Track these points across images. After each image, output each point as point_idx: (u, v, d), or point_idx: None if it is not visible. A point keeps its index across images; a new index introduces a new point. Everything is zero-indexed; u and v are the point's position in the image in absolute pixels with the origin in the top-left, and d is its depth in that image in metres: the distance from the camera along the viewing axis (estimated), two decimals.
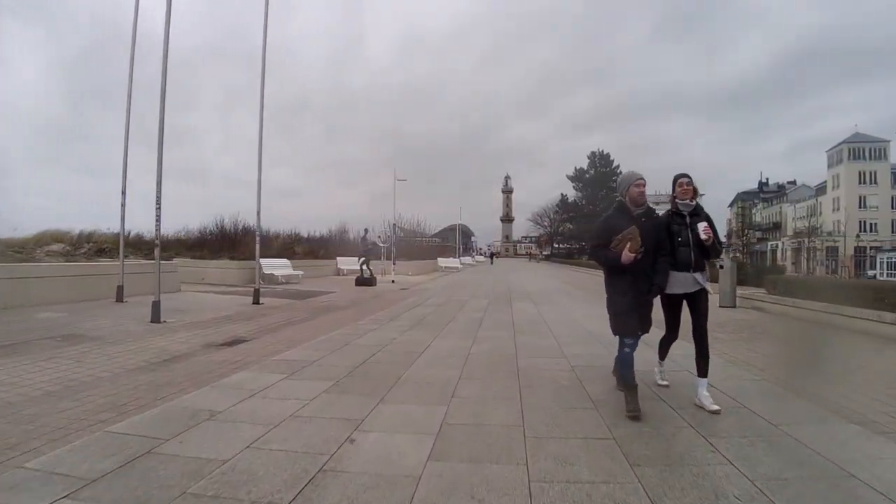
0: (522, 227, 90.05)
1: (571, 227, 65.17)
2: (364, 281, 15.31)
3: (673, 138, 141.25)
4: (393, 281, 17.42)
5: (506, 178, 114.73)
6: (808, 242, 48.65)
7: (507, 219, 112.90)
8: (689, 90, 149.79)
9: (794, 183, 77.71)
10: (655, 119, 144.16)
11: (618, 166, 63.41)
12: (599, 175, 63.85)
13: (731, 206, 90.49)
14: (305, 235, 23.90)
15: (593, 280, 21.91)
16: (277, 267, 15.34)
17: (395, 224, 17.71)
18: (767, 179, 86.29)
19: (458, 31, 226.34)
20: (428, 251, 36.88)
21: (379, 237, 21.96)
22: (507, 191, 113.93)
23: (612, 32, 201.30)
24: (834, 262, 48.41)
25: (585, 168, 65.95)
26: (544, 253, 79.16)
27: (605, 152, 65.77)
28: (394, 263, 18.03)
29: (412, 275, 23.50)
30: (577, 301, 11.19)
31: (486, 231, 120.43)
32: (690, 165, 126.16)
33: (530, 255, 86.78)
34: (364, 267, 15.66)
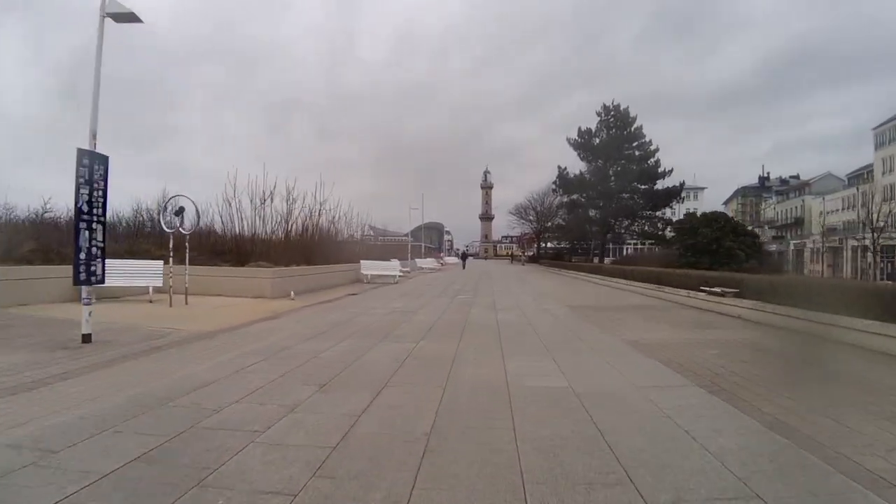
0: (505, 226, 78.41)
1: (568, 217, 46.46)
2: None
3: (664, 138, 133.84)
4: None
5: (485, 172, 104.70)
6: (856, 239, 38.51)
7: (487, 217, 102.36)
8: (676, 91, 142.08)
9: (797, 177, 71.17)
10: (648, 119, 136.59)
11: (640, 127, 41.96)
12: (613, 139, 41.89)
13: (725, 203, 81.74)
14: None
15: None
16: None
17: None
18: (769, 173, 79.34)
19: (443, 31, 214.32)
20: (374, 251, 26.59)
21: (175, 214, 9.59)
22: (487, 186, 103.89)
23: (602, 34, 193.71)
24: (891, 265, 38.63)
25: (594, 130, 43.40)
26: (528, 254, 67.07)
27: (622, 107, 42.45)
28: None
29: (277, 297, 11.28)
30: None
31: (468, 232, 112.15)
32: (684, 164, 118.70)
33: (512, 257, 74.63)
34: None
